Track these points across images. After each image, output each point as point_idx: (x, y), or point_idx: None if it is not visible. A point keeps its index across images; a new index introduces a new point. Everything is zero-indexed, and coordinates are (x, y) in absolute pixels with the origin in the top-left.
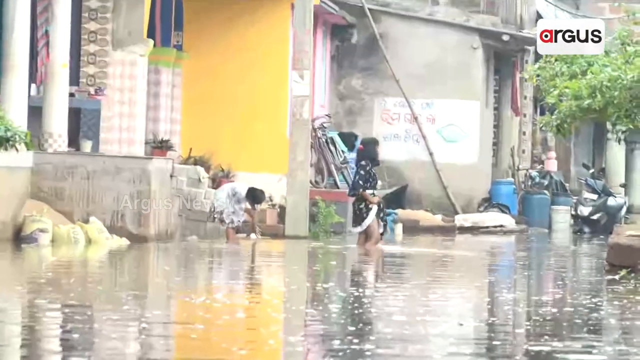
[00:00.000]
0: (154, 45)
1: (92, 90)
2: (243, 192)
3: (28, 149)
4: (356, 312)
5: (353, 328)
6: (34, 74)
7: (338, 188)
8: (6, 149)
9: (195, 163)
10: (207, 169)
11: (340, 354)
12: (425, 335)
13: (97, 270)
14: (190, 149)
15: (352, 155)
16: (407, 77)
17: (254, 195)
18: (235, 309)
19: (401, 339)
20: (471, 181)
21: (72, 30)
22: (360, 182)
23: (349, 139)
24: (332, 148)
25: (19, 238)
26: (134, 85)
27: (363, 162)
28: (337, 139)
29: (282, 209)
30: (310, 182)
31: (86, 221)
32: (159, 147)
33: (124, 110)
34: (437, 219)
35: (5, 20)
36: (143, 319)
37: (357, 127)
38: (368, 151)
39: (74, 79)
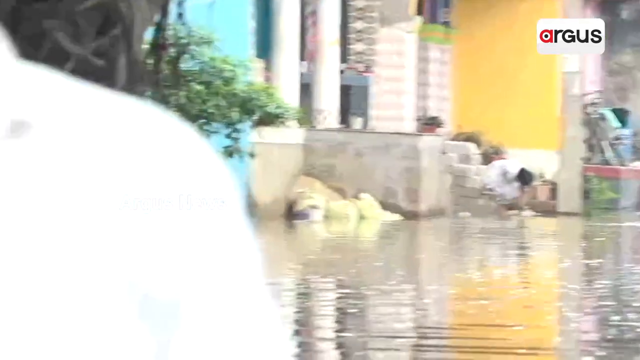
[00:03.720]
0: (422, 22)
1: (361, 67)
2: (514, 170)
3: (299, 126)
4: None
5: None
6: (304, 52)
7: (610, 164)
8: (277, 126)
9: (466, 140)
10: (478, 146)
11: (615, 330)
12: None
13: (371, 246)
14: (460, 126)
15: (625, 132)
16: None
17: (523, 177)
18: (512, 285)
19: None
20: None
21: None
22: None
23: (620, 115)
24: (603, 124)
25: (292, 214)
26: (403, 62)
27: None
28: (609, 115)
29: (554, 185)
30: (582, 159)
31: (357, 197)
32: (429, 123)
33: (393, 87)
34: None
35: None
36: (422, 294)
37: (629, 103)
38: None
39: (343, 56)
